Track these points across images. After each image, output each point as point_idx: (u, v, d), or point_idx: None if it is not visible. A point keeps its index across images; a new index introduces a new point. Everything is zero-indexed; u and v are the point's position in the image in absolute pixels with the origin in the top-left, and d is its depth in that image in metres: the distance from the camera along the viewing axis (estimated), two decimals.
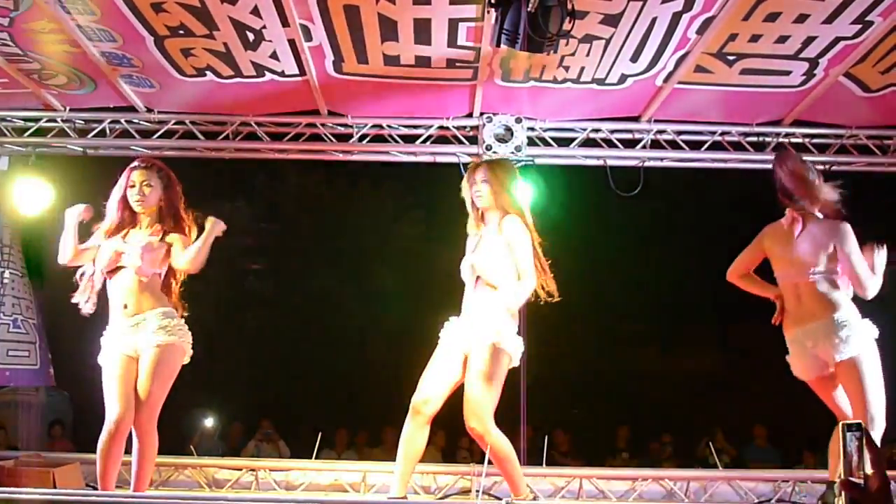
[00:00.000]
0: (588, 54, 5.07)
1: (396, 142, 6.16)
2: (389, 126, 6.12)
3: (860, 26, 4.74)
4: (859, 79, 5.38)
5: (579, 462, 8.70)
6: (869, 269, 3.87)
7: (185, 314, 4.17)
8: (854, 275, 3.87)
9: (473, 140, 6.05)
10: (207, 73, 5.41)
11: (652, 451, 10.07)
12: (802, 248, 3.99)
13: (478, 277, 4.05)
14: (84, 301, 4.14)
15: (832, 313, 3.86)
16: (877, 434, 3.76)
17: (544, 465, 5.72)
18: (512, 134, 5.90)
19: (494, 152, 5.79)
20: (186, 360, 4.07)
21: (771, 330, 4.13)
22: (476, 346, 3.92)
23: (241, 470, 5.63)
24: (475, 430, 3.86)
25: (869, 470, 1.47)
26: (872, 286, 3.86)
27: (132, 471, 3.96)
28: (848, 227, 3.94)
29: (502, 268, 3.99)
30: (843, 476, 1.50)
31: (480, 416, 3.84)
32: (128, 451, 3.98)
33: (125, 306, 4.00)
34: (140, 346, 3.95)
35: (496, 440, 3.88)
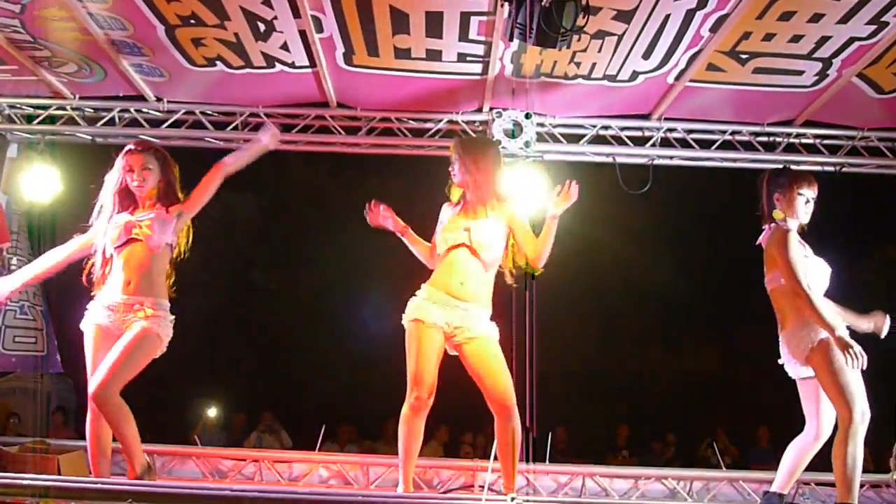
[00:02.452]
0: (600, 50, 5.05)
1: (405, 135, 6.14)
2: (398, 119, 6.10)
3: (875, 27, 4.71)
4: (873, 80, 5.35)
5: (578, 460, 8.70)
6: (796, 276, 3.82)
7: (173, 296, 4.11)
8: (784, 277, 3.89)
9: (485, 135, 6.03)
10: (217, 63, 5.40)
11: (654, 450, 10.07)
12: (768, 256, 4.06)
13: (461, 244, 4.06)
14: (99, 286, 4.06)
15: (795, 322, 3.90)
16: (861, 428, 3.72)
17: (547, 461, 5.72)
18: (521, 129, 5.88)
19: (504, 148, 5.77)
20: (157, 355, 3.96)
21: (773, 331, 4.13)
22: (484, 337, 3.95)
23: (244, 461, 5.64)
24: (510, 410, 3.89)
25: None
26: (803, 295, 3.80)
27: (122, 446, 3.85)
28: (779, 231, 3.95)
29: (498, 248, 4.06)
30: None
31: (513, 398, 3.90)
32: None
33: (128, 283, 3.92)
34: (127, 324, 3.87)
35: (518, 426, 3.90)
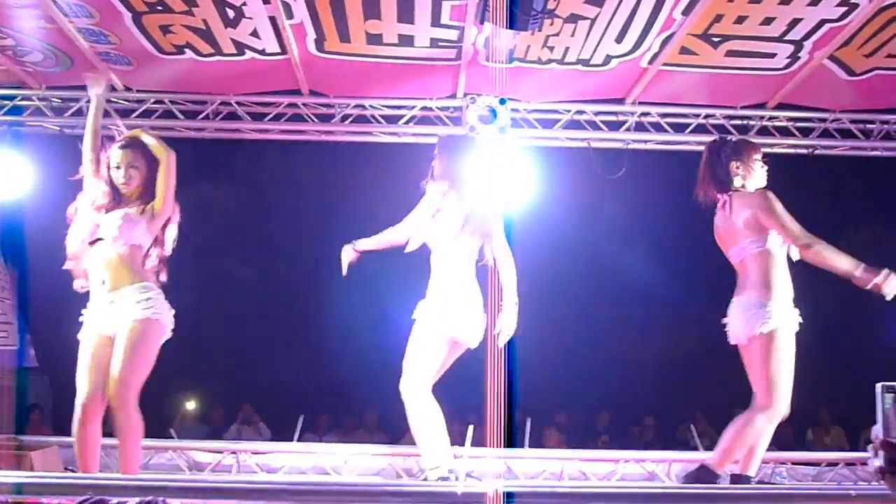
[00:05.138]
0: (573, 34, 5.03)
1: (379, 122, 6.10)
2: (372, 106, 6.05)
3: (846, 8, 4.73)
4: (844, 62, 5.38)
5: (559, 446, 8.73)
6: (794, 225, 3.86)
7: (162, 280, 4.03)
8: (785, 234, 3.89)
9: (457, 121, 6.01)
10: (186, 50, 5.32)
11: (633, 434, 10.13)
12: (734, 225, 4.03)
13: None
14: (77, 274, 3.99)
15: (757, 292, 3.90)
16: (774, 420, 3.80)
17: (526, 447, 5.73)
18: (496, 115, 5.85)
19: (478, 133, 5.74)
20: (168, 336, 3.90)
21: None
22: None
23: (222, 453, 5.59)
24: None
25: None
26: (804, 239, 3.84)
27: (119, 454, 3.84)
28: (767, 195, 3.95)
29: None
30: (881, 436, 1.52)
31: None
32: (111, 434, 3.90)
33: (102, 282, 3.85)
34: (117, 323, 3.80)
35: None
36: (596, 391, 11.19)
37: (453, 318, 4.05)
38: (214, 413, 10.17)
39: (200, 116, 6.03)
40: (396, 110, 6.07)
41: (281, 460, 5.54)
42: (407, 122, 6.07)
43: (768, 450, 4.21)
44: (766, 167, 4.15)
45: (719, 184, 4.12)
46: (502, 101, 5.86)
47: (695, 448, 6.67)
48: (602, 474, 5.46)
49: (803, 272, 4.00)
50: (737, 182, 4.08)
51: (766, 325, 3.83)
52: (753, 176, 4.10)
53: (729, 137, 4.36)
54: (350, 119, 6.10)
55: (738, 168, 4.08)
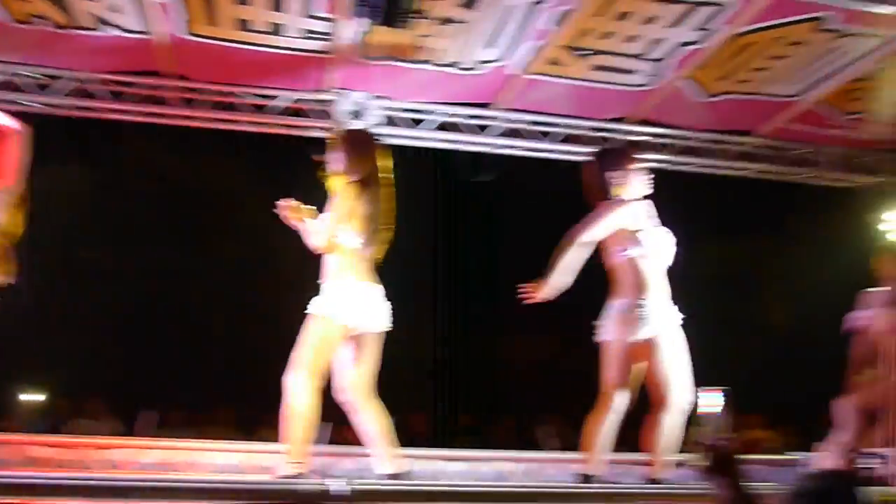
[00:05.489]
0: (445, 37, 5.07)
1: (246, 111, 5.92)
2: (239, 95, 5.87)
3: (703, 32, 4.98)
4: (700, 83, 5.67)
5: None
6: (583, 230, 4.06)
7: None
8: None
9: (327, 115, 5.91)
10: (39, 20, 5.00)
11: (492, 434, 10.31)
12: (606, 232, 4.18)
13: None
14: None
15: (626, 296, 4.04)
16: (676, 414, 3.97)
17: None
18: (366, 112, 5.81)
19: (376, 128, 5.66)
20: None
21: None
22: None
23: (61, 447, 5.29)
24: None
25: (724, 434, 1.57)
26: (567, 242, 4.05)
27: None
28: (613, 202, 4.13)
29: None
30: (702, 438, 1.58)
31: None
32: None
33: None
34: None
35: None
36: (455, 392, 11.34)
37: (349, 309, 3.92)
38: (58, 406, 9.65)
39: (52, 92, 5.67)
40: (264, 100, 5.91)
41: (126, 455, 5.31)
42: (275, 113, 5.91)
43: (620, 451, 4.40)
44: (647, 176, 4.29)
45: (600, 192, 4.23)
46: (373, 98, 5.83)
47: (546, 449, 6.85)
48: (457, 473, 5.51)
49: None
50: (615, 191, 4.20)
51: (645, 331, 3.97)
52: (630, 185, 4.22)
53: (608, 147, 4.51)
54: (215, 106, 5.89)
55: (615, 177, 4.20)
